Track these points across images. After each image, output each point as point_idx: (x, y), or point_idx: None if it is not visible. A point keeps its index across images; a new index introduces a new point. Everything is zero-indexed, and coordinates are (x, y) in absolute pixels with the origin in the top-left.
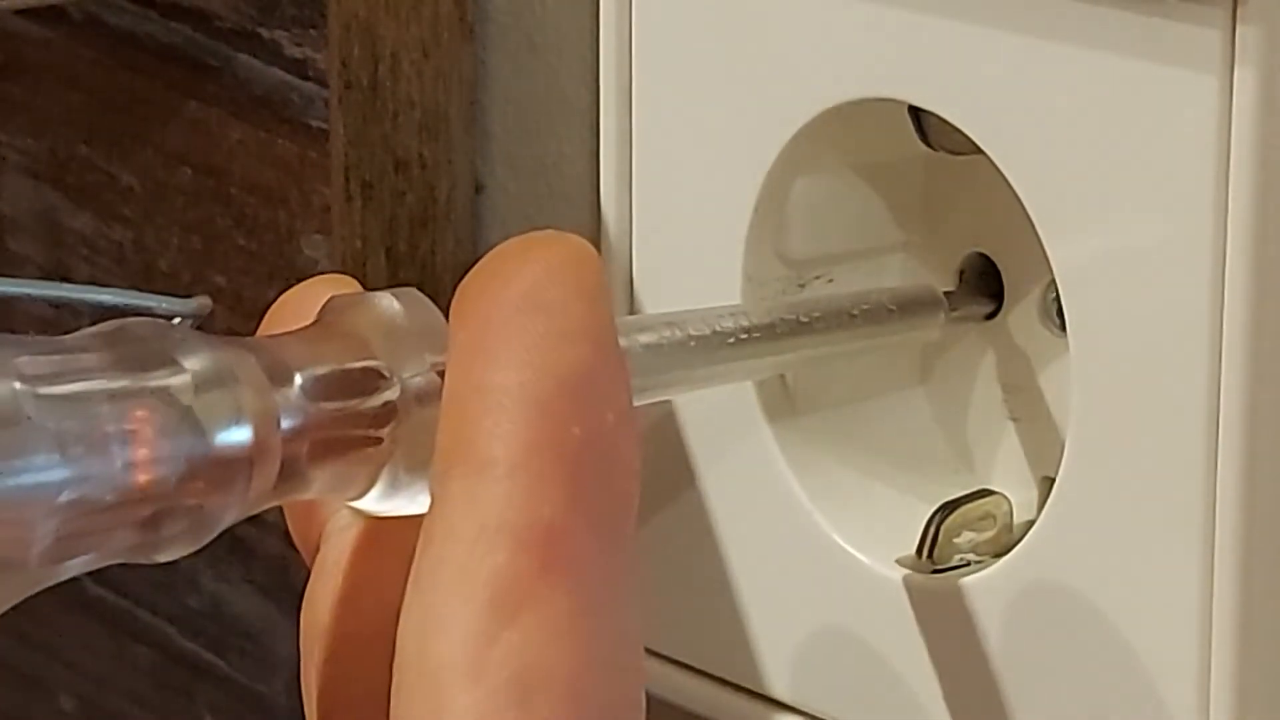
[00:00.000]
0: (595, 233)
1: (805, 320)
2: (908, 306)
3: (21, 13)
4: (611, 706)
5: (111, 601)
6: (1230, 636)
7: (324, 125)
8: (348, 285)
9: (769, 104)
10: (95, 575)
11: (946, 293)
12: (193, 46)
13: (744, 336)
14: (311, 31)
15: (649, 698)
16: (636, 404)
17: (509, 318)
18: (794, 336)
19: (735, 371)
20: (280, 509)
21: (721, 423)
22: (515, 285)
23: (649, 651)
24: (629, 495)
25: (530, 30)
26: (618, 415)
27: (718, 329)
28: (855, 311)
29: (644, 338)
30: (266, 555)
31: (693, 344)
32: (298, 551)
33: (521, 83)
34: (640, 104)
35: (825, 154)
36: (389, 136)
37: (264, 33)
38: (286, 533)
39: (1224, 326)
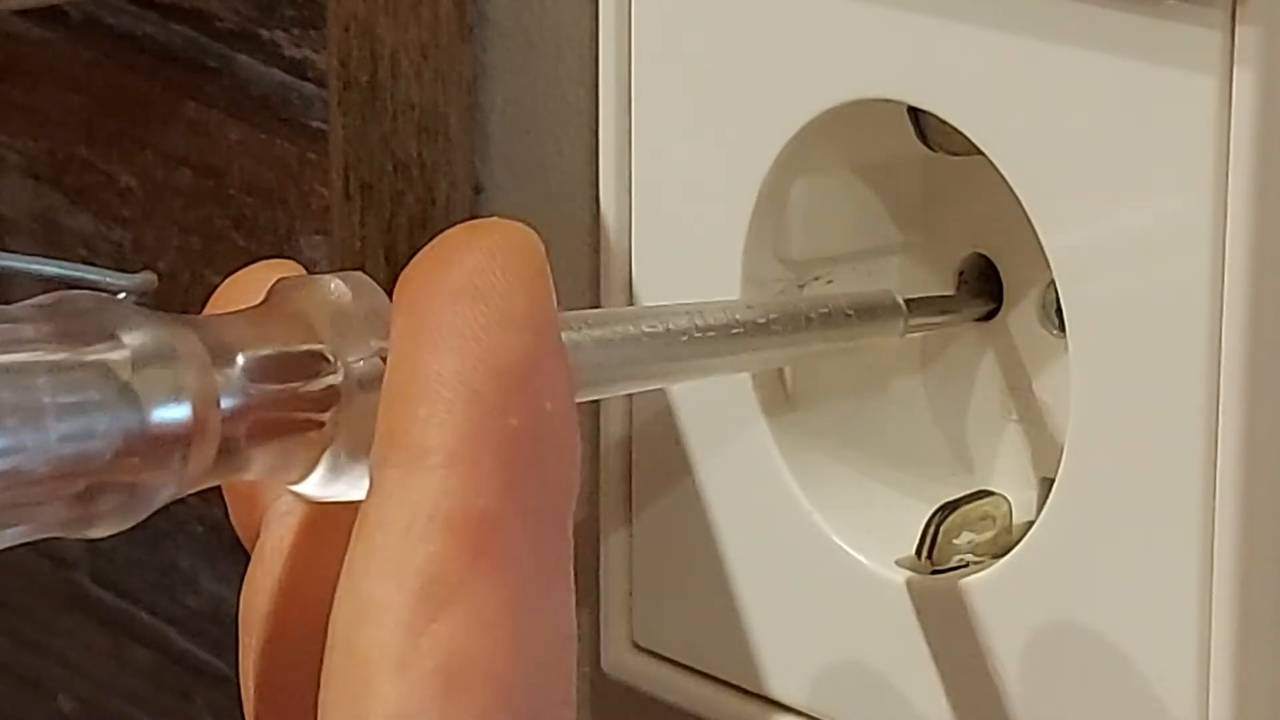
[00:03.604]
0: (595, 233)
1: (762, 322)
2: (866, 312)
3: (21, 13)
4: (539, 700)
5: (111, 602)
6: (1229, 637)
7: (323, 126)
8: (294, 269)
9: (769, 104)
10: (95, 576)
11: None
12: (192, 47)
13: (698, 335)
14: (311, 32)
15: (649, 697)
16: (585, 399)
17: (448, 305)
18: (749, 337)
19: (687, 370)
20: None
21: (719, 421)
22: (456, 272)
23: (649, 651)
24: (567, 485)
25: (530, 30)
26: (556, 404)
27: (671, 327)
28: (812, 315)
29: (595, 332)
30: None
31: (645, 340)
32: None
33: (520, 83)
34: (640, 104)
35: (825, 154)
36: (388, 137)
37: (263, 33)
38: None
39: (1223, 328)
